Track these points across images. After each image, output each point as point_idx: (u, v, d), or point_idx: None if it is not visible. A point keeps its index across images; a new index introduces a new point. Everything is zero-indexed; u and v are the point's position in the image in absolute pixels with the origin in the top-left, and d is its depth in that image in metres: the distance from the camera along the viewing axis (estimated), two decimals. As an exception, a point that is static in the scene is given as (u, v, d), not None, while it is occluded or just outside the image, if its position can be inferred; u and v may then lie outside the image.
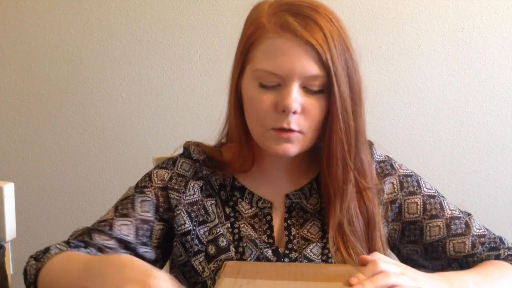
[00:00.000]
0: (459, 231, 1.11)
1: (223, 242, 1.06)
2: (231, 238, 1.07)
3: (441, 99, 1.86)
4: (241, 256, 1.05)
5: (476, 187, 1.90)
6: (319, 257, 1.06)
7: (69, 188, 1.98)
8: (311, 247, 1.07)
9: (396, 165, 1.16)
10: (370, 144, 1.15)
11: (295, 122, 0.99)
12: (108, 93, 1.92)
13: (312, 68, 0.97)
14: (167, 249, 1.12)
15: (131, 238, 1.05)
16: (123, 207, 1.08)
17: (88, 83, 1.92)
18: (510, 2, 1.81)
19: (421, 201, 1.12)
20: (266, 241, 1.08)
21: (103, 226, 1.06)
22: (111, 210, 1.09)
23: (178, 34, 1.87)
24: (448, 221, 1.11)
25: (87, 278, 0.85)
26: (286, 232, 1.09)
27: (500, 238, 1.13)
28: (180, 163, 1.13)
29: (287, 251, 1.07)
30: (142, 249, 1.06)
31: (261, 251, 1.05)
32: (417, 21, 1.83)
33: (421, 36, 1.83)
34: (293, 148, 1.02)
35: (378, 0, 1.82)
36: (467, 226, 1.12)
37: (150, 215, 1.08)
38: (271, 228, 1.09)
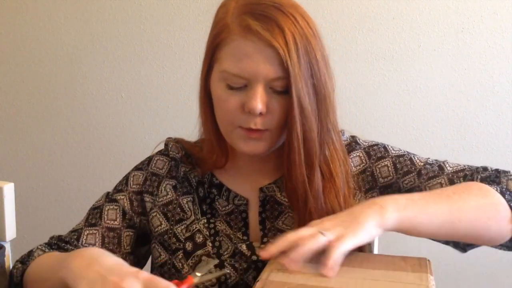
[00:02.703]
0: (431, 174, 1.08)
1: (199, 238, 1.08)
2: (207, 233, 1.09)
3: (441, 99, 1.86)
4: (218, 250, 1.07)
5: (476, 187, 1.90)
6: None
7: (69, 188, 1.98)
8: None
9: (361, 141, 1.16)
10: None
11: (262, 122, 1.00)
12: (108, 93, 1.92)
13: (275, 70, 0.97)
14: (144, 255, 1.17)
15: (96, 246, 1.09)
16: (93, 216, 1.13)
17: (88, 83, 1.92)
18: (510, 2, 1.81)
19: (391, 162, 1.12)
20: (241, 238, 1.09)
21: (72, 236, 1.11)
22: (83, 219, 1.14)
23: (178, 34, 1.87)
24: (419, 169, 1.09)
25: (59, 269, 0.90)
26: (261, 226, 1.10)
27: (484, 167, 1.07)
28: (155, 161, 1.16)
29: (262, 246, 1.08)
30: None
31: (235, 245, 1.07)
32: (417, 21, 1.83)
33: (421, 36, 1.83)
34: (262, 146, 1.03)
35: (378, 0, 1.82)
36: (440, 168, 1.09)
37: (116, 223, 1.12)
38: (246, 225, 1.10)
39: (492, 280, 1.91)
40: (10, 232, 1.17)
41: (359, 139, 1.16)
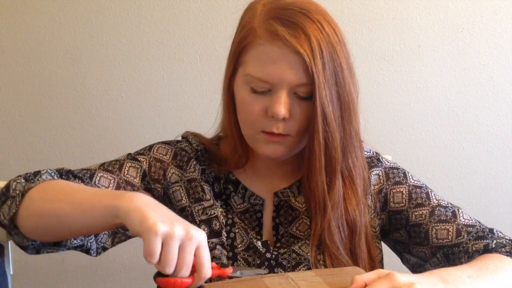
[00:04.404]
0: (443, 218, 1.09)
1: (216, 225, 1.09)
2: (224, 221, 1.09)
3: (441, 99, 1.86)
4: (232, 242, 1.08)
5: (476, 187, 1.90)
6: (308, 254, 1.07)
7: (69, 188, 1.98)
8: (299, 244, 1.09)
9: (383, 159, 1.17)
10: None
11: (284, 127, 1.01)
12: (108, 93, 1.92)
13: (299, 76, 0.99)
14: None
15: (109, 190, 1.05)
16: (110, 165, 1.10)
17: (88, 83, 1.92)
18: (510, 2, 1.81)
19: (407, 190, 1.12)
20: (255, 236, 1.10)
21: (84, 173, 1.07)
22: (97, 164, 1.11)
23: (178, 34, 1.87)
24: (433, 208, 1.10)
25: (110, 197, 0.89)
26: (274, 232, 1.10)
27: (490, 229, 1.09)
28: (183, 145, 1.16)
29: (275, 248, 1.09)
30: None
31: (251, 240, 1.08)
32: (417, 21, 1.83)
33: (421, 36, 1.83)
34: (282, 150, 1.04)
35: (378, 0, 1.82)
36: (454, 215, 1.10)
37: (136, 181, 1.10)
38: (260, 225, 1.11)
39: None
40: (10, 232, 1.17)
41: (382, 158, 1.17)
